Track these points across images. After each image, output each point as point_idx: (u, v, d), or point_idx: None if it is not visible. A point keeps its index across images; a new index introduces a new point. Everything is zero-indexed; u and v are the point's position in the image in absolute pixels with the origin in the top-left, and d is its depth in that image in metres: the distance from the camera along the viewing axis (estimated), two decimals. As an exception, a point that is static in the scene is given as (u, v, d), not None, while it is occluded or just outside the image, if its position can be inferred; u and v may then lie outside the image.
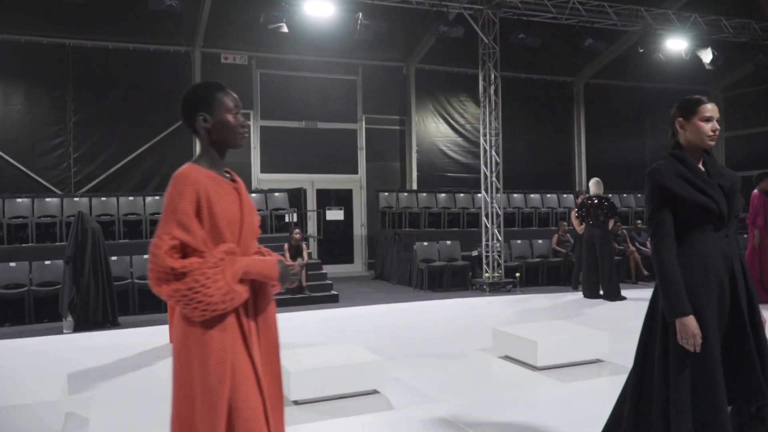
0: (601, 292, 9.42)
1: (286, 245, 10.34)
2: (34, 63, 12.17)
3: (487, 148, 11.44)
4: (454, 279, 11.44)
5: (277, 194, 12.62)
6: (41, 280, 9.22)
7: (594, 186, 9.50)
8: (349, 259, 14.72)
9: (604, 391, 4.56)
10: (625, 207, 14.49)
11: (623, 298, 9.22)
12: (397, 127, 15.07)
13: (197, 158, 2.28)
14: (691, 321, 2.56)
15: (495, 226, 11.28)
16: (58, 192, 12.06)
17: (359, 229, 14.77)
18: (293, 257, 10.25)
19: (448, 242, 11.94)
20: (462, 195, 14.09)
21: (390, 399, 4.56)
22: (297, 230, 10.39)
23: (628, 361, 3.00)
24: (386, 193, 13.60)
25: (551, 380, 4.97)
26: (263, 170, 13.97)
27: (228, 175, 2.33)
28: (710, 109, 2.77)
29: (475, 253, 11.66)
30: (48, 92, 12.30)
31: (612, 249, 9.56)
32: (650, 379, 2.74)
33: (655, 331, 2.75)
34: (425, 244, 11.74)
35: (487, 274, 11.11)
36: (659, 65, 13.47)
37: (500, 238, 11.26)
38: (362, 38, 10.96)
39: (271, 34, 11.22)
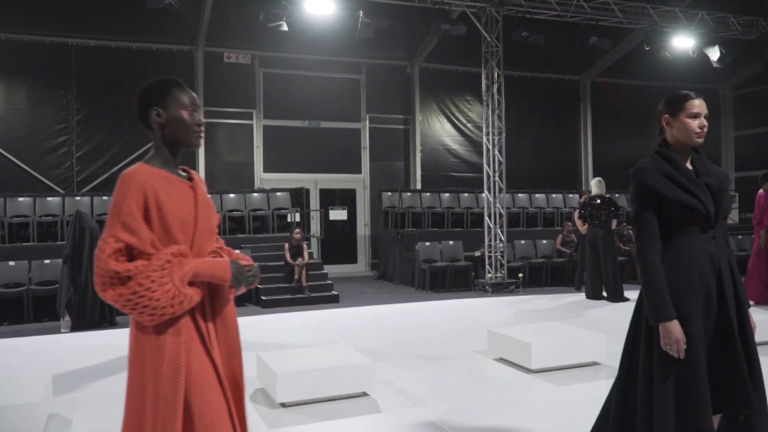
0: (605, 294, 9.30)
1: (286, 245, 10.29)
2: (36, 62, 12.19)
3: (490, 147, 11.33)
4: (457, 279, 11.35)
5: (279, 194, 12.57)
6: (40, 279, 9.22)
7: (596, 186, 9.38)
8: (352, 259, 14.65)
9: (599, 395, 4.39)
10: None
11: (626, 300, 9.09)
12: (401, 127, 14.98)
13: (149, 157, 2.20)
14: (675, 326, 2.46)
15: (498, 226, 11.16)
16: (61, 191, 12.07)
17: (363, 229, 14.69)
18: (293, 257, 10.19)
19: (451, 242, 11.84)
20: (466, 195, 13.98)
21: (379, 402, 4.48)
22: (297, 230, 10.33)
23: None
24: (389, 193, 13.51)
25: (545, 383, 4.86)
26: (266, 170, 13.92)
27: (184, 174, 2.25)
28: (698, 104, 2.66)
29: (477, 253, 11.56)
30: (50, 91, 12.31)
31: (615, 249, 9.43)
32: (635, 385, 2.65)
33: (641, 336, 2.66)
34: (427, 244, 11.65)
35: (489, 275, 11.00)
36: (667, 64, 13.30)
37: (503, 239, 11.15)
38: (364, 36, 10.88)
39: (274, 33, 11.16)
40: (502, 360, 5.57)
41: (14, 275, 9.20)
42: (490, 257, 11.08)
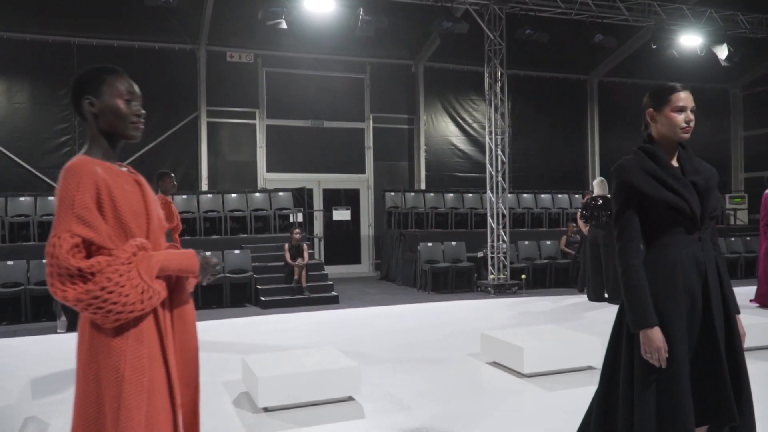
0: (606, 295, 9.13)
1: (286, 245, 10.20)
2: (39, 61, 12.18)
3: (493, 146, 11.18)
4: (459, 280, 11.21)
5: (281, 194, 12.48)
6: (39, 278, 9.17)
7: (598, 186, 9.21)
8: (356, 260, 14.54)
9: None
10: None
11: (629, 302, 8.90)
12: (406, 126, 14.85)
13: (87, 149, 2.06)
14: (656, 333, 2.32)
15: (501, 226, 11.01)
16: (63, 191, 12.03)
17: (366, 229, 14.58)
18: (293, 257, 10.10)
19: (453, 243, 11.70)
20: (470, 195, 13.83)
21: (364, 407, 4.36)
22: (297, 230, 10.23)
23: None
24: (392, 193, 13.39)
25: (536, 388, 4.72)
26: (269, 170, 13.84)
27: (125, 168, 2.13)
28: (683, 97, 2.53)
29: (480, 254, 11.41)
30: (53, 91, 12.29)
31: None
32: (616, 394, 2.51)
33: (622, 343, 2.52)
34: (429, 244, 11.51)
35: (492, 276, 10.85)
36: (675, 63, 13.07)
37: (506, 239, 10.99)
38: (365, 35, 10.76)
39: (277, 32, 11.08)
40: (494, 364, 5.43)
41: (12, 275, 9.17)
42: (492, 258, 10.93)
